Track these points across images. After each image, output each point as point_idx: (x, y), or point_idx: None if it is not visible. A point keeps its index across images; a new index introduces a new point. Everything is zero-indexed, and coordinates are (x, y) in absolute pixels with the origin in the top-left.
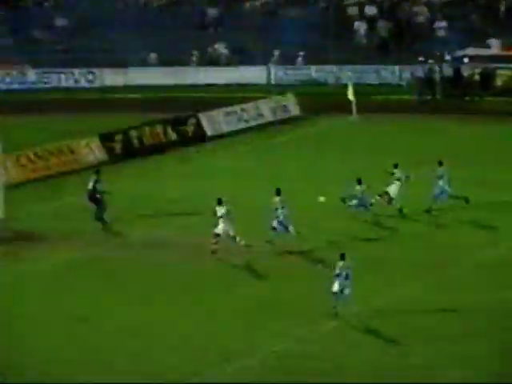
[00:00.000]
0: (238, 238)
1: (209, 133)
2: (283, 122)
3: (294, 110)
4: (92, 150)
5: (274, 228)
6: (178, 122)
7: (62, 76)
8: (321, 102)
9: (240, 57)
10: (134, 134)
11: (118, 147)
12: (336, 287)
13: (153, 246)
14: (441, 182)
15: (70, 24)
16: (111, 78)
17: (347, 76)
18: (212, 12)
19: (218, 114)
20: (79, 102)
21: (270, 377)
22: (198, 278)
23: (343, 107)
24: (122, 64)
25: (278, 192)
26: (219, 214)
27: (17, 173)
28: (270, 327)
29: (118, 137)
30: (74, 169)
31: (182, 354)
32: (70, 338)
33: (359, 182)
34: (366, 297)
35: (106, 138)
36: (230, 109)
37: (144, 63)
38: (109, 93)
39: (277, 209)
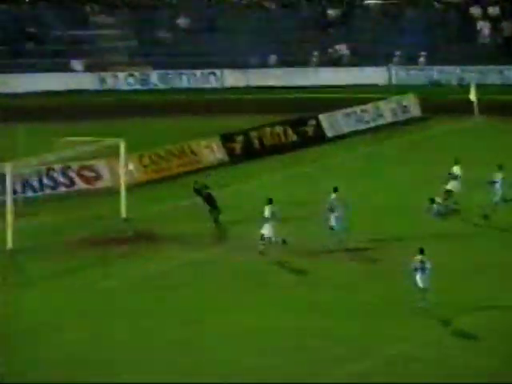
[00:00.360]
0: (273, 239)
1: (328, 134)
2: (403, 123)
3: (415, 110)
4: (213, 151)
5: (332, 227)
6: (298, 123)
7: (184, 77)
8: (442, 102)
9: (361, 57)
10: (254, 134)
11: (238, 148)
12: (419, 283)
13: (271, 248)
14: (498, 186)
15: (193, 25)
16: (232, 79)
17: (470, 76)
18: (333, 13)
19: (338, 114)
20: (200, 103)
21: (385, 381)
22: (312, 279)
23: (465, 108)
24: (242, 65)
25: (336, 190)
26: (266, 214)
27: (139, 173)
28: (383, 329)
29: (239, 137)
30: (195, 169)
31: (295, 355)
32: (181, 338)
33: (432, 201)
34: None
35: (226, 139)
36: (349, 110)
37: (264, 64)
38: (229, 94)
39: (332, 208)
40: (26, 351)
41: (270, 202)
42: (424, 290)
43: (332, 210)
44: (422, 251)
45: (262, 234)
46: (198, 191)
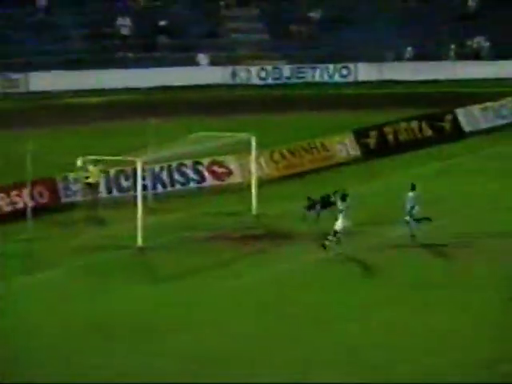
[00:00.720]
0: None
1: (466, 129)
2: None
3: None
4: (346, 147)
5: (407, 222)
6: (434, 118)
7: (317, 71)
8: None
9: (500, 50)
10: (388, 129)
11: (372, 143)
12: None
13: (403, 246)
14: None
15: (325, 17)
16: (366, 72)
17: None
18: (473, 4)
19: (476, 109)
20: (333, 97)
21: None
22: (455, 278)
23: None
24: (377, 59)
25: (413, 187)
26: (340, 207)
27: (270, 169)
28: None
29: (373, 133)
30: (328, 165)
31: (439, 354)
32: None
33: None
34: None
35: (360, 134)
36: (487, 104)
37: (399, 58)
38: (363, 88)
39: (412, 205)
40: (153, 347)
41: (344, 197)
42: None
43: (408, 208)
44: None
45: (335, 231)
46: (310, 208)
